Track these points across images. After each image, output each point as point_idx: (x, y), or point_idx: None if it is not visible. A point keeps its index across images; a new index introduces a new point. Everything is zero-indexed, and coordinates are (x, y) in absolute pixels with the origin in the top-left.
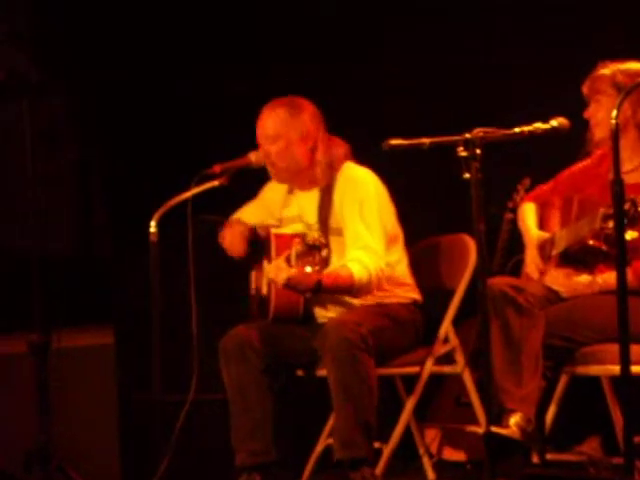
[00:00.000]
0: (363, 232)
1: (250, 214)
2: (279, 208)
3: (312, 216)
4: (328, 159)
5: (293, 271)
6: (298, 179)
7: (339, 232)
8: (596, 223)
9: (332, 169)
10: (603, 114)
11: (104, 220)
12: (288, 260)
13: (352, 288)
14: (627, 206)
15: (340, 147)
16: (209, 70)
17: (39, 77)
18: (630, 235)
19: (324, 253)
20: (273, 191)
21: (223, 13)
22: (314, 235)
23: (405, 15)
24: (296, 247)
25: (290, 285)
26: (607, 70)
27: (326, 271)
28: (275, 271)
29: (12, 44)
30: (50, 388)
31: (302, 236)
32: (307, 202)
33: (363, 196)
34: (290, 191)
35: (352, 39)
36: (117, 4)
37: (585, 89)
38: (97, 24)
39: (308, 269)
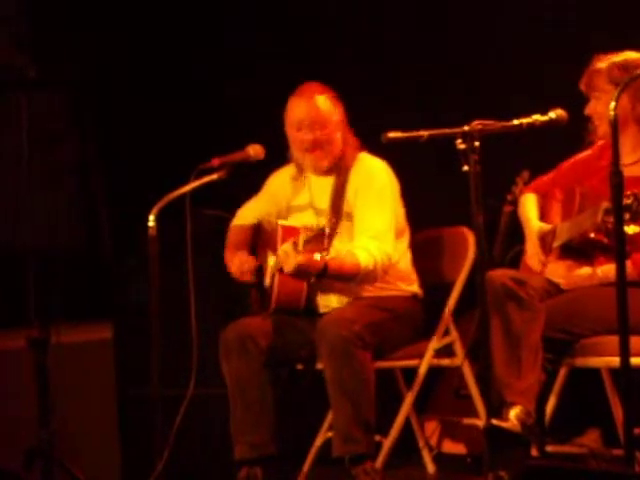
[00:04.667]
0: (374, 219)
1: (256, 208)
2: (287, 197)
3: (325, 202)
4: (353, 147)
5: (300, 257)
6: (331, 164)
7: (350, 217)
8: (598, 217)
9: (353, 157)
10: (602, 110)
11: (103, 215)
12: (295, 245)
13: (357, 275)
14: (630, 200)
15: (356, 139)
16: (207, 66)
17: (37, 74)
18: (633, 229)
19: (332, 239)
20: (279, 182)
21: (221, 11)
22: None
23: (405, 7)
24: (305, 232)
25: (299, 272)
26: (603, 64)
27: (332, 256)
28: (283, 257)
29: (11, 41)
30: (49, 383)
31: (309, 227)
32: (320, 188)
33: (379, 186)
34: (297, 179)
35: (351, 35)
36: (116, 3)
37: (582, 86)
38: (96, 22)
39: (317, 256)
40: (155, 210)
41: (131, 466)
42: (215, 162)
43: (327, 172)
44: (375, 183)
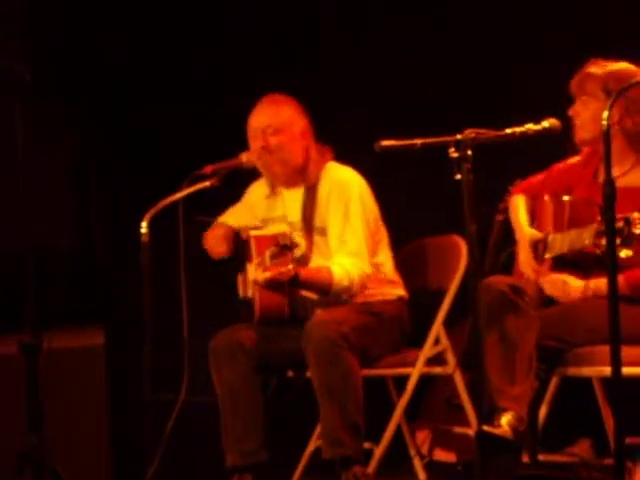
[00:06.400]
0: (348, 236)
1: (234, 217)
2: (263, 210)
3: (296, 215)
4: (320, 158)
5: (268, 273)
6: (289, 175)
7: (323, 231)
8: (591, 239)
9: (319, 168)
10: (589, 117)
11: (97, 222)
12: (262, 263)
13: (330, 288)
14: (621, 224)
15: (326, 148)
16: (205, 73)
17: (34, 77)
18: (625, 254)
19: (297, 252)
20: (256, 194)
21: (220, 17)
22: (287, 234)
23: (401, 15)
24: (270, 249)
25: (270, 285)
26: (599, 70)
27: (304, 267)
28: (254, 274)
29: (8, 43)
30: (41, 389)
31: (278, 236)
32: (291, 201)
33: (348, 198)
34: (272, 193)
35: (348, 40)
36: (115, 5)
37: (573, 86)
38: (95, 24)
39: (283, 269)
40: (148, 217)
41: (122, 472)
42: (208, 169)
43: (294, 184)
44: (344, 198)
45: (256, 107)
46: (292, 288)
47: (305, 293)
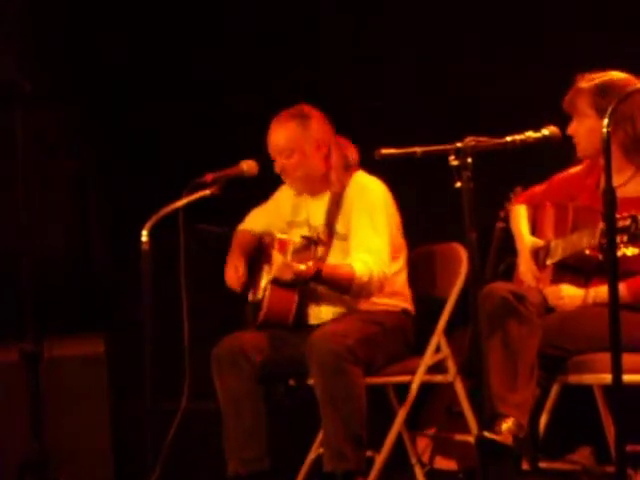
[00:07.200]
0: (370, 236)
1: (258, 219)
2: (289, 212)
3: (319, 220)
4: (342, 161)
5: (289, 274)
6: (314, 185)
7: (344, 237)
8: (595, 238)
9: (347, 172)
10: (584, 133)
11: (98, 230)
12: (285, 257)
13: (351, 284)
14: (628, 222)
15: (351, 148)
16: (205, 73)
17: (35, 86)
18: (632, 251)
19: (320, 248)
20: (284, 195)
21: (220, 17)
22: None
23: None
24: (293, 243)
25: (296, 280)
26: (585, 84)
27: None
28: (277, 270)
29: (8, 43)
30: (42, 397)
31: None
32: (316, 207)
33: (373, 204)
34: (299, 195)
35: (349, 47)
36: (115, 15)
37: (566, 105)
38: (95, 25)
39: (302, 267)
40: (148, 225)
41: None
42: (208, 177)
43: (319, 192)
44: (369, 203)
45: (270, 126)
46: (302, 292)
47: (324, 290)
